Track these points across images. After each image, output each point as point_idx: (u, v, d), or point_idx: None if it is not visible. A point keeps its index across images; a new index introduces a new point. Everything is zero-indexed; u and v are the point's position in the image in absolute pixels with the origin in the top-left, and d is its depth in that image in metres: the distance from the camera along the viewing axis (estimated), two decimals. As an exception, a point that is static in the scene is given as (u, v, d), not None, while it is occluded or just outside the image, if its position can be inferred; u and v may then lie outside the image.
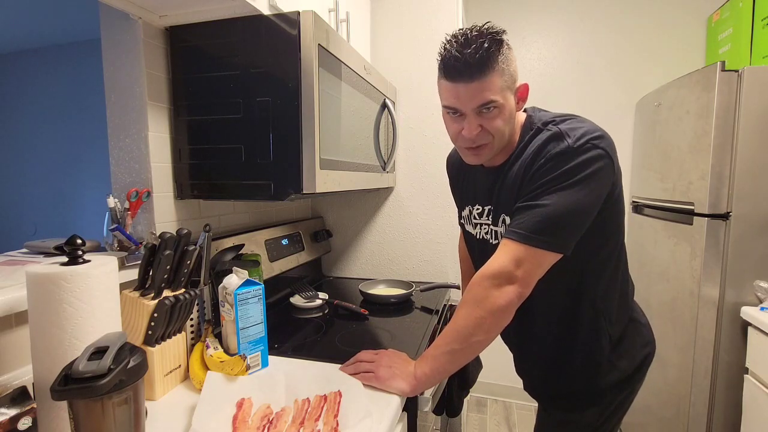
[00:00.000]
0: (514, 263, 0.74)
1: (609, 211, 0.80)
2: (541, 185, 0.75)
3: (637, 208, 1.98)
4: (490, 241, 0.90)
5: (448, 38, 0.76)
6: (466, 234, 1.03)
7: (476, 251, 0.98)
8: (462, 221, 1.03)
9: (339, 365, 0.89)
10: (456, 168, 1.05)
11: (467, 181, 0.99)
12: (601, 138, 0.75)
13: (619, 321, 0.88)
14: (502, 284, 0.75)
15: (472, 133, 0.79)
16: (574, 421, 0.90)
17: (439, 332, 1.21)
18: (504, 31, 0.76)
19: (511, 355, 1.04)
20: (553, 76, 2.20)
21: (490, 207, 0.89)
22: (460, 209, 1.04)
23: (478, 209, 0.94)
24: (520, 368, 1.03)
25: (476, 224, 0.95)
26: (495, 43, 0.73)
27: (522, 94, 0.81)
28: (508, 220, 0.84)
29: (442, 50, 0.77)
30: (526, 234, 0.74)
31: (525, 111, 0.88)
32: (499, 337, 1.03)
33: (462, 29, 0.77)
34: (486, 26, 0.75)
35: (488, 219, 0.90)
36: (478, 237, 0.95)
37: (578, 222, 0.75)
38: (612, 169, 0.76)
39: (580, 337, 0.87)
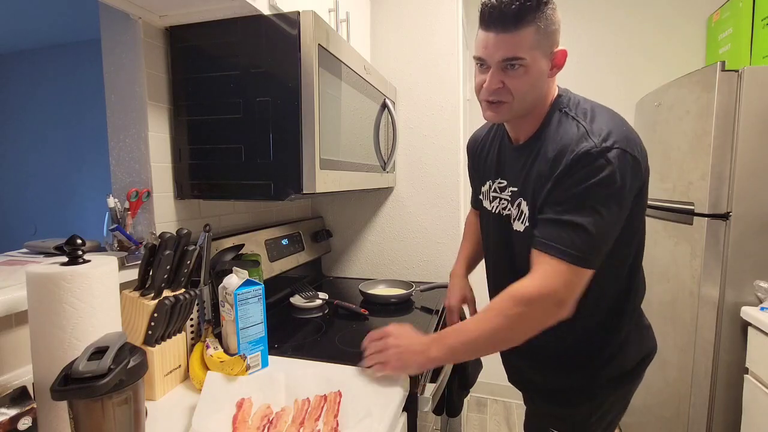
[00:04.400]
0: (566, 287, 0.72)
1: (633, 211, 0.78)
2: (574, 195, 0.72)
3: (637, 208, 1.98)
4: (507, 220, 0.88)
5: None
6: (482, 210, 1.01)
7: (490, 227, 0.96)
8: (481, 197, 1.00)
9: (339, 365, 0.89)
10: (480, 144, 1.02)
11: (490, 155, 0.96)
12: (626, 140, 0.73)
13: (627, 322, 0.87)
14: (550, 308, 0.73)
15: (492, 86, 0.77)
16: (566, 417, 0.90)
17: (441, 328, 1.22)
18: None
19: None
20: (553, 76, 2.19)
21: (514, 188, 0.86)
22: (480, 185, 1.00)
23: (501, 183, 0.91)
24: (509, 360, 1.02)
25: (494, 198, 0.93)
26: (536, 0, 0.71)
27: (558, 60, 0.77)
28: (524, 208, 0.82)
29: None
30: (576, 255, 0.71)
31: (558, 88, 0.84)
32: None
33: None
34: None
35: (508, 196, 0.88)
36: (494, 211, 0.93)
37: (611, 237, 0.74)
38: (640, 171, 0.74)
39: (585, 334, 0.86)
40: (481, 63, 0.79)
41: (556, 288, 0.72)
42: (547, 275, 0.73)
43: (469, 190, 1.12)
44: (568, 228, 0.72)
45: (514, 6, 0.71)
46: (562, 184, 0.74)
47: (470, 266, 1.19)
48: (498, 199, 0.91)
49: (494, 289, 0.98)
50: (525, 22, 0.71)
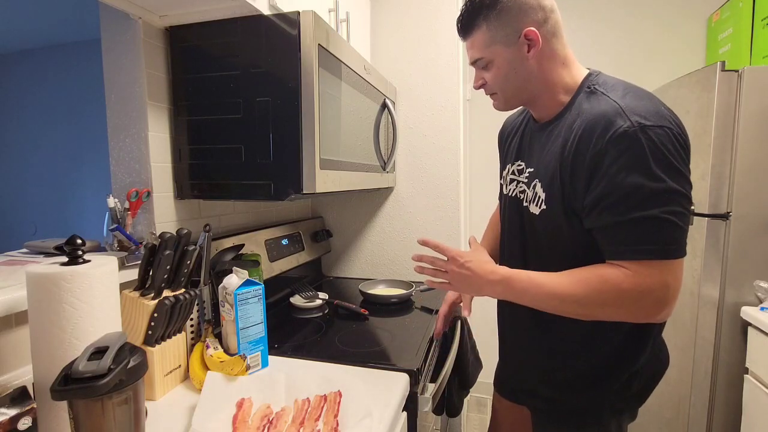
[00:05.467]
0: (662, 286, 0.66)
1: None
2: (631, 188, 0.65)
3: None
4: (523, 202, 0.85)
5: None
6: (501, 198, 0.99)
7: (506, 211, 0.94)
8: (501, 181, 0.98)
9: (339, 365, 0.89)
10: (509, 128, 1.00)
11: (515, 139, 0.95)
12: (669, 117, 0.67)
13: (648, 345, 0.81)
14: (648, 306, 0.68)
15: (476, 84, 0.85)
16: None
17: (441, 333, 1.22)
18: None
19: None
20: (553, 76, 2.19)
21: (531, 169, 0.84)
22: (502, 170, 0.99)
23: (519, 165, 0.89)
24: (515, 375, 0.97)
25: (512, 180, 0.91)
26: (478, 2, 0.77)
27: (531, 39, 0.75)
28: (539, 190, 0.79)
29: None
30: (665, 249, 0.66)
31: (590, 70, 0.81)
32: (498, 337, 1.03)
33: None
34: None
35: (525, 178, 0.86)
36: (510, 194, 0.91)
37: (690, 210, 0.68)
38: (688, 144, 0.68)
39: (601, 359, 0.81)
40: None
41: (653, 288, 0.66)
42: (640, 277, 0.66)
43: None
44: (642, 225, 0.66)
45: (464, 14, 0.80)
46: (604, 176, 0.67)
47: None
48: (516, 182, 0.90)
49: (510, 314, 0.95)
50: (472, 28, 0.80)
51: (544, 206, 0.78)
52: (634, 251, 0.67)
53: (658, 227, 0.65)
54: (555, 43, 0.77)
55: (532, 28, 0.75)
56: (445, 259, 0.82)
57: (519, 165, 0.90)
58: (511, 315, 0.94)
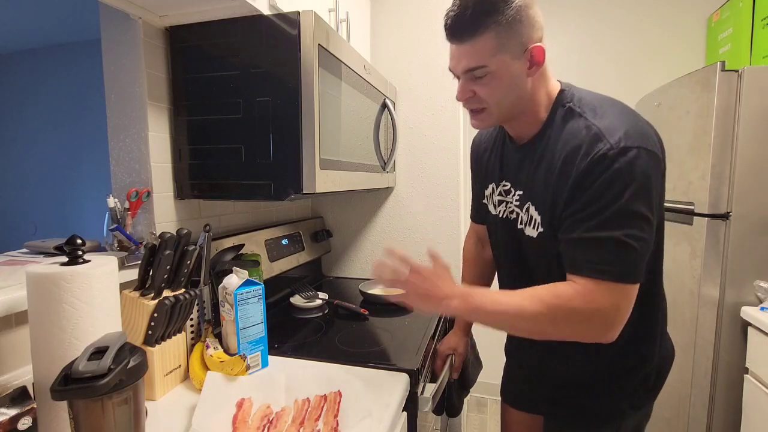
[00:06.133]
0: (614, 308, 0.67)
1: None
2: (602, 208, 0.66)
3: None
4: (517, 225, 0.83)
5: None
6: (488, 221, 0.95)
7: (499, 234, 0.91)
8: (485, 201, 0.95)
9: (339, 365, 0.89)
10: (483, 145, 0.97)
11: (492, 157, 0.92)
12: (644, 137, 0.67)
13: (654, 347, 0.82)
14: (596, 326, 0.68)
15: (463, 96, 0.75)
16: None
17: (440, 332, 1.22)
18: None
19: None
20: (553, 75, 2.19)
21: (520, 191, 0.82)
22: (483, 189, 0.95)
23: (505, 186, 0.87)
24: (527, 384, 0.97)
25: (500, 202, 0.88)
26: (490, 2, 0.68)
27: (537, 57, 0.72)
28: (534, 213, 0.77)
29: (449, 7, 0.73)
30: (620, 271, 0.66)
31: (560, 83, 0.80)
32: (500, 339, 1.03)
33: None
34: None
35: (515, 200, 0.84)
36: (501, 216, 0.88)
37: (652, 241, 0.69)
38: (661, 165, 0.69)
39: (607, 363, 0.81)
40: (453, 74, 0.78)
41: (603, 308, 0.67)
42: (592, 294, 0.67)
43: (470, 190, 1.10)
44: (603, 244, 0.67)
45: (467, 13, 0.69)
46: (582, 194, 0.68)
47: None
48: (504, 203, 0.87)
49: None
50: (482, 29, 0.69)
51: (541, 228, 0.77)
52: (593, 269, 0.67)
53: (619, 250, 0.66)
54: (546, 63, 0.76)
55: (541, 45, 0.72)
56: (407, 271, 0.80)
57: (505, 185, 0.87)
58: None
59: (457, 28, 0.72)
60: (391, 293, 0.82)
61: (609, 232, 0.66)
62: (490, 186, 0.92)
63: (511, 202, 0.85)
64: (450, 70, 0.78)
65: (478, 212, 1.04)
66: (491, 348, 1.53)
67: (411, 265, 0.80)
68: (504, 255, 0.93)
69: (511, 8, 0.68)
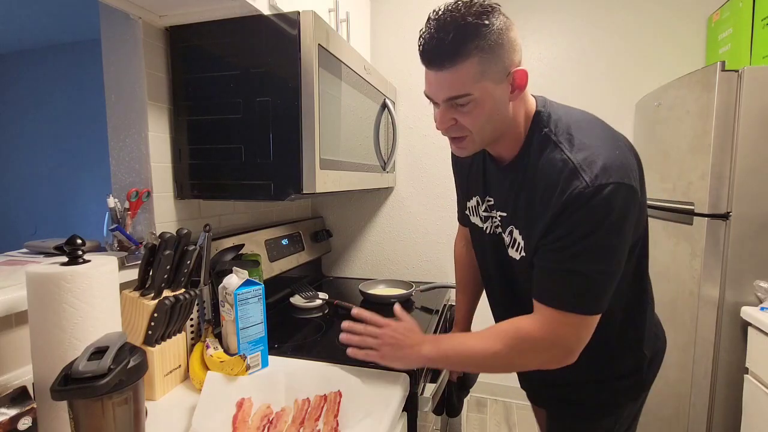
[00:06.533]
0: (576, 337, 0.70)
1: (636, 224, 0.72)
2: (573, 243, 0.67)
3: (637, 208, 1.98)
4: (504, 240, 0.83)
5: (430, 15, 0.67)
6: (472, 228, 0.95)
7: (487, 247, 0.90)
8: (467, 212, 0.95)
9: (339, 365, 0.89)
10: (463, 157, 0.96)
11: (473, 169, 0.91)
12: (621, 168, 0.66)
13: (643, 337, 0.84)
14: (557, 355, 0.72)
15: (444, 125, 0.72)
16: (589, 430, 0.88)
17: (441, 330, 1.22)
18: (493, 8, 0.66)
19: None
20: (553, 76, 2.20)
21: (503, 213, 0.82)
22: (465, 199, 0.95)
23: (489, 201, 0.86)
24: (529, 380, 0.99)
25: (486, 217, 0.88)
26: (471, 28, 0.64)
27: (519, 81, 0.69)
28: (518, 237, 0.78)
29: (422, 31, 0.68)
30: (584, 305, 0.69)
31: (535, 98, 0.78)
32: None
33: (447, 5, 0.67)
34: (471, 2, 0.65)
35: (498, 219, 0.84)
36: (488, 231, 0.88)
37: (620, 272, 0.70)
38: (637, 197, 0.68)
39: (600, 356, 0.82)
40: (432, 100, 0.74)
41: (565, 337, 0.70)
42: (554, 324, 0.70)
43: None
44: (570, 277, 0.68)
45: (448, 38, 0.64)
46: (557, 228, 0.68)
47: (470, 322, 1.15)
48: (490, 219, 0.87)
49: (500, 318, 0.96)
50: (463, 56, 0.64)
51: (523, 253, 0.77)
52: (559, 300, 0.70)
53: (587, 284, 0.68)
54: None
55: (523, 69, 0.69)
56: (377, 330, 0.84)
57: (489, 201, 0.87)
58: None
59: (437, 55, 0.66)
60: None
61: (578, 267, 0.68)
62: (475, 198, 0.91)
63: (496, 218, 0.85)
64: (426, 95, 0.73)
65: (464, 216, 1.04)
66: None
67: (381, 322, 0.84)
68: (492, 271, 0.93)
69: (493, 32, 0.65)
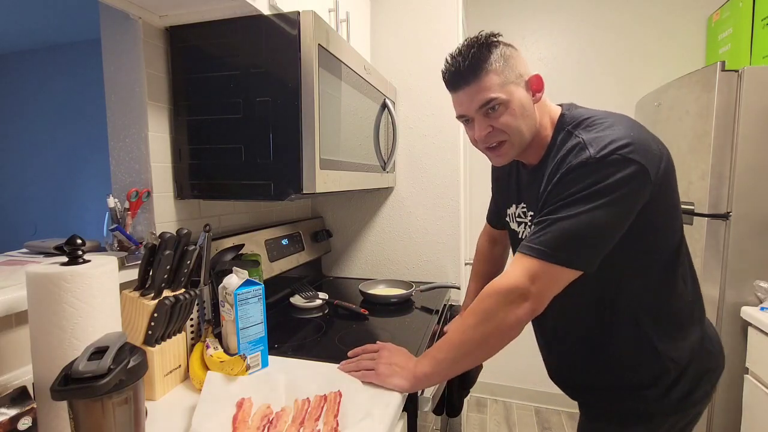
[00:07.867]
0: (529, 279, 0.71)
1: (647, 217, 0.73)
2: (561, 198, 0.72)
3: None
4: None
5: (446, 57, 0.80)
6: (510, 233, 0.98)
7: None
8: (507, 219, 0.99)
9: (339, 365, 0.89)
10: (505, 167, 0.98)
11: (511, 178, 0.96)
12: (629, 146, 0.68)
13: (671, 345, 0.79)
14: (514, 300, 0.72)
15: (482, 133, 0.80)
16: None
17: (440, 333, 1.22)
18: (496, 35, 0.79)
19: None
20: (553, 76, 2.19)
21: (532, 213, 0.87)
22: (506, 207, 0.99)
23: (523, 207, 0.91)
24: (558, 376, 0.96)
25: (520, 222, 0.92)
26: (484, 47, 0.76)
27: (536, 86, 0.80)
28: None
29: (443, 67, 0.81)
30: (542, 249, 0.71)
31: (561, 106, 0.85)
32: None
33: (459, 45, 0.80)
34: (478, 35, 0.78)
35: (529, 220, 0.88)
36: (521, 236, 0.91)
37: (601, 239, 0.71)
38: (646, 177, 0.69)
39: (617, 354, 0.81)
40: (465, 119, 0.83)
41: (518, 279, 0.72)
42: (515, 270, 0.73)
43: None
44: (544, 224, 0.72)
45: (467, 61, 0.76)
46: (553, 191, 0.74)
47: None
48: (524, 224, 0.90)
49: (538, 326, 0.96)
50: (481, 70, 0.76)
51: None
52: (525, 246, 0.74)
53: (559, 233, 0.70)
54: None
55: (537, 74, 0.80)
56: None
57: (523, 207, 0.91)
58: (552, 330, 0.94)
59: (460, 76, 0.78)
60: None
61: (554, 215, 0.71)
62: (513, 206, 0.96)
63: (527, 222, 0.89)
64: (459, 117, 0.83)
65: (497, 218, 1.10)
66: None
67: (377, 347, 0.89)
68: None
69: (502, 49, 0.77)
